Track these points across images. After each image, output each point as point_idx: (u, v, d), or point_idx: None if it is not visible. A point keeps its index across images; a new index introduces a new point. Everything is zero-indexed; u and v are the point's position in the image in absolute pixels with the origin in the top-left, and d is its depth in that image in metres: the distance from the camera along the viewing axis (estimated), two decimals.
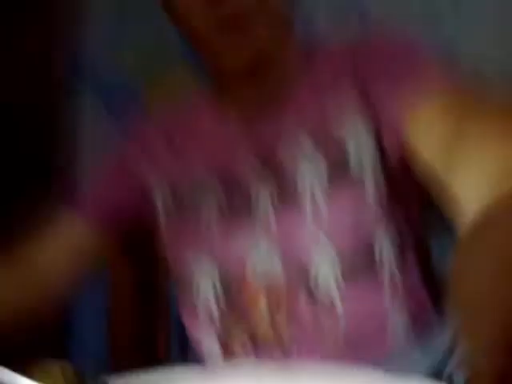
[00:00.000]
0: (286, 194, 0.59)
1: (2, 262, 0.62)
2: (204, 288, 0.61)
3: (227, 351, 0.60)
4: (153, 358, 0.74)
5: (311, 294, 0.57)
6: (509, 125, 0.41)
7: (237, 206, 0.61)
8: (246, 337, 0.60)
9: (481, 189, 0.37)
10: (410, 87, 0.53)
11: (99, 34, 1.43)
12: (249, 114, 0.62)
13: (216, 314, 0.60)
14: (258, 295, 0.59)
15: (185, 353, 0.72)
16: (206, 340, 0.62)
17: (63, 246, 0.65)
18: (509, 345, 0.20)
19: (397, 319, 0.57)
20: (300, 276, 0.57)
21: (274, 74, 0.61)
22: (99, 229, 0.66)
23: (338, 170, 0.58)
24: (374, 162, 0.57)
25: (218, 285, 0.60)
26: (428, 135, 0.50)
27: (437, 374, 0.43)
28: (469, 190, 0.40)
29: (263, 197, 0.60)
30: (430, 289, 0.60)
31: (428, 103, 0.51)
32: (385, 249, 0.57)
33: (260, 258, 0.59)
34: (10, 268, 0.63)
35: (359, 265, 0.56)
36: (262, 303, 0.59)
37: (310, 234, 0.57)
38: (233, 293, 0.60)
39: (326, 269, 0.56)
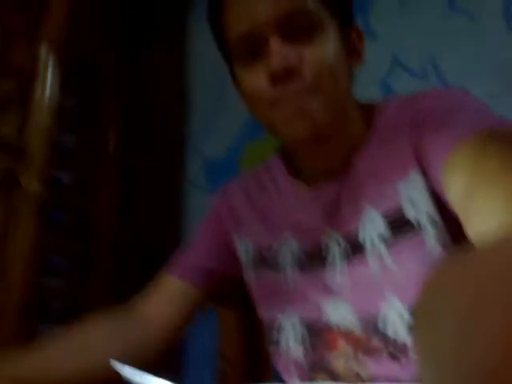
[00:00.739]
0: (353, 248, 0.63)
1: (121, 315, 0.74)
2: (288, 333, 0.67)
3: None
4: None
5: (385, 343, 0.59)
6: None
7: (312, 260, 0.66)
8: (327, 377, 0.64)
9: (489, 234, 0.39)
10: (449, 138, 0.54)
11: (202, 119, 1.63)
12: (316, 175, 0.67)
13: (300, 356, 0.66)
14: (337, 338, 0.64)
15: None
16: (292, 380, 0.67)
17: (163, 300, 0.74)
18: None
19: None
20: (372, 325, 0.60)
21: (336, 140, 0.64)
22: (194, 285, 0.74)
23: (394, 220, 0.60)
24: (431, 211, 0.58)
25: (300, 331, 0.66)
26: (453, 180, 0.51)
27: None
28: (480, 235, 0.42)
29: (335, 252, 0.64)
30: None
31: (459, 150, 0.51)
32: None
33: (335, 306, 0.64)
34: (125, 319, 0.74)
35: None
36: (343, 345, 0.63)
37: (376, 287, 0.60)
38: (314, 337, 0.65)
39: (394, 319, 0.59)
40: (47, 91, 1.16)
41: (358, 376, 0.62)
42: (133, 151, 1.55)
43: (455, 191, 0.50)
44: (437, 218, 0.58)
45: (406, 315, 0.58)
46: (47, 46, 1.16)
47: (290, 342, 0.67)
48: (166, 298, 0.74)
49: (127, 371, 0.50)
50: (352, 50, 0.64)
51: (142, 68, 1.61)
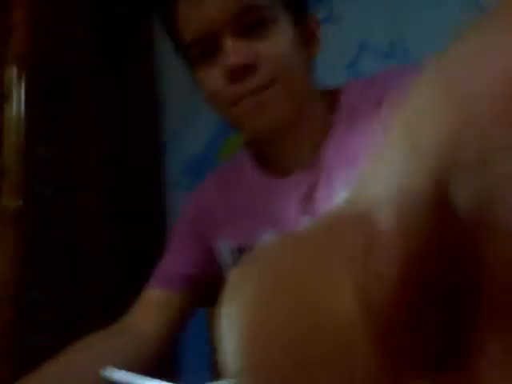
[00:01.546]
0: None
1: (112, 335, 0.73)
2: None
3: None
4: None
5: None
6: None
7: None
8: None
9: None
10: None
11: (178, 120, 1.63)
12: (287, 167, 0.68)
13: None
14: None
15: None
16: None
17: (151, 313, 0.74)
18: None
19: None
20: None
21: (302, 129, 0.65)
22: (176, 292, 0.74)
23: None
24: None
25: None
26: None
27: None
28: None
29: None
30: None
31: None
32: None
33: None
34: (117, 339, 0.72)
35: None
36: None
37: None
38: None
39: None
40: (17, 108, 1.16)
41: None
42: (113, 162, 1.54)
43: None
44: None
45: None
46: (15, 64, 1.16)
47: None
48: (153, 310, 0.74)
49: (121, 376, 0.49)
50: (309, 38, 0.65)
51: (115, 80, 1.60)
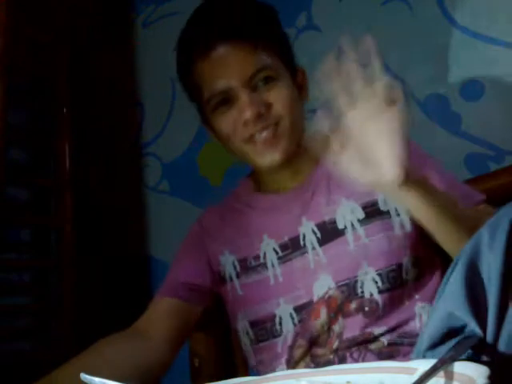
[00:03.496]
0: (332, 233, 0.78)
1: (126, 340, 0.77)
2: (285, 322, 0.76)
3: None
4: None
5: (362, 303, 0.73)
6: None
7: (293, 251, 0.79)
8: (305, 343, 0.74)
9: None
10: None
11: (157, 125, 1.63)
12: (282, 187, 0.83)
13: (291, 338, 0.76)
14: (319, 308, 0.75)
15: None
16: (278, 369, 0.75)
17: (165, 321, 0.80)
18: None
19: (421, 315, 0.74)
20: (352, 290, 0.75)
21: (302, 158, 0.81)
22: (189, 302, 0.82)
23: (371, 209, 0.78)
24: (397, 207, 0.77)
25: (294, 315, 0.76)
26: None
27: None
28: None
29: (311, 239, 0.78)
30: None
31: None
32: (408, 268, 0.75)
33: (319, 283, 0.76)
34: (131, 344, 0.77)
35: (392, 278, 0.74)
36: (323, 313, 0.74)
37: (353, 259, 0.75)
38: (304, 315, 0.76)
39: (369, 283, 0.74)
40: None
41: (329, 331, 0.74)
42: (89, 164, 1.52)
43: None
44: (401, 211, 0.78)
45: (378, 279, 0.74)
46: None
47: (286, 328, 0.77)
48: (162, 317, 0.80)
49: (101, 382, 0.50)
50: (300, 87, 0.83)
51: (95, 83, 1.58)
